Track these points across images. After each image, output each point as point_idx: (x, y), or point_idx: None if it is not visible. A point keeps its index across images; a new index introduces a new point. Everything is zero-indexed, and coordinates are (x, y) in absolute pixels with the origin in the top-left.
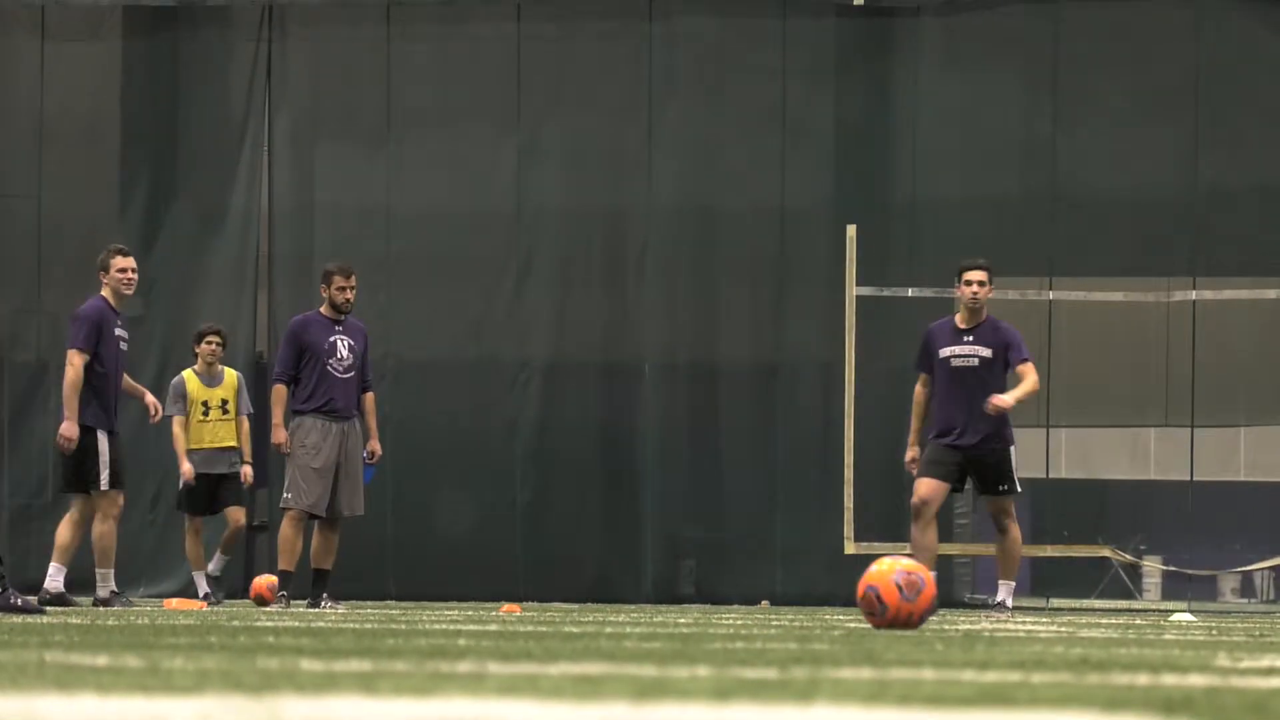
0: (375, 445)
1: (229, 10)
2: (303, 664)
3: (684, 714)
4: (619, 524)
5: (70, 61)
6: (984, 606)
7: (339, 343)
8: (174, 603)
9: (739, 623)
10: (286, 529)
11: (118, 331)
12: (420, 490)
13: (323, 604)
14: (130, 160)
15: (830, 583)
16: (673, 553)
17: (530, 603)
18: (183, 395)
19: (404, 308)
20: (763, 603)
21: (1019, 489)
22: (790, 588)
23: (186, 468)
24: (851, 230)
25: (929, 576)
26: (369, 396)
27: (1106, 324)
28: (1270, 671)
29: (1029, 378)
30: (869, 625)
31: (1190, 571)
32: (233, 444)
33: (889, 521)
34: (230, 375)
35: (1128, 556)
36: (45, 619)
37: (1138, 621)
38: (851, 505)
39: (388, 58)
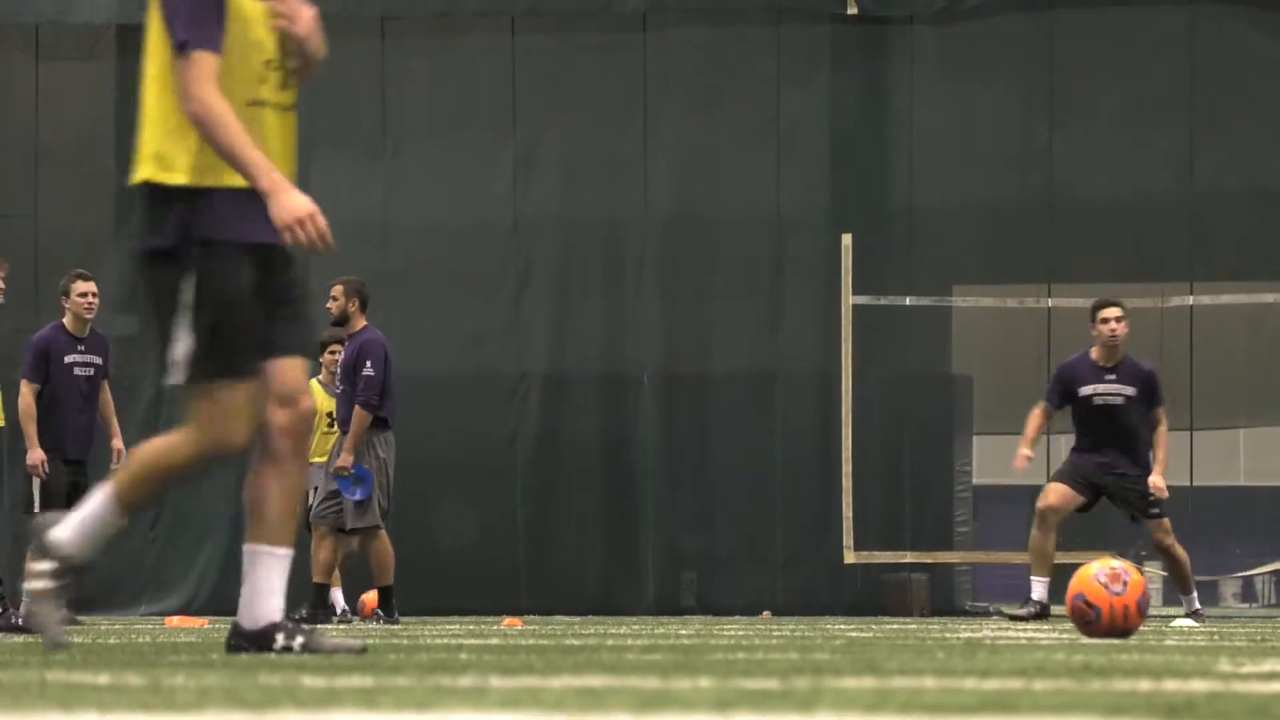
0: (342, 459)
1: None
2: (304, 680)
3: None
4: (619, 536)
5: (65, 81)
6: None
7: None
8: (175, 620)
9: (740, 633)
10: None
11: (73, 357)
12: (420, 504)
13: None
14: (125, 178)
15: (831, 592)
16: (673, 564)
17: (532, 616)
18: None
19: (402, 320)
20: (764, 613)
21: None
22: (791, 598)
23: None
24: (847, 239)
25: (1132, 567)
26: (356, 410)
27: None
28: (1272, 676)
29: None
30: (1085, 638)
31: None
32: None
33: (888, 530)
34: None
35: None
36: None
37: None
38: (850, 514)
39: (383, 70)
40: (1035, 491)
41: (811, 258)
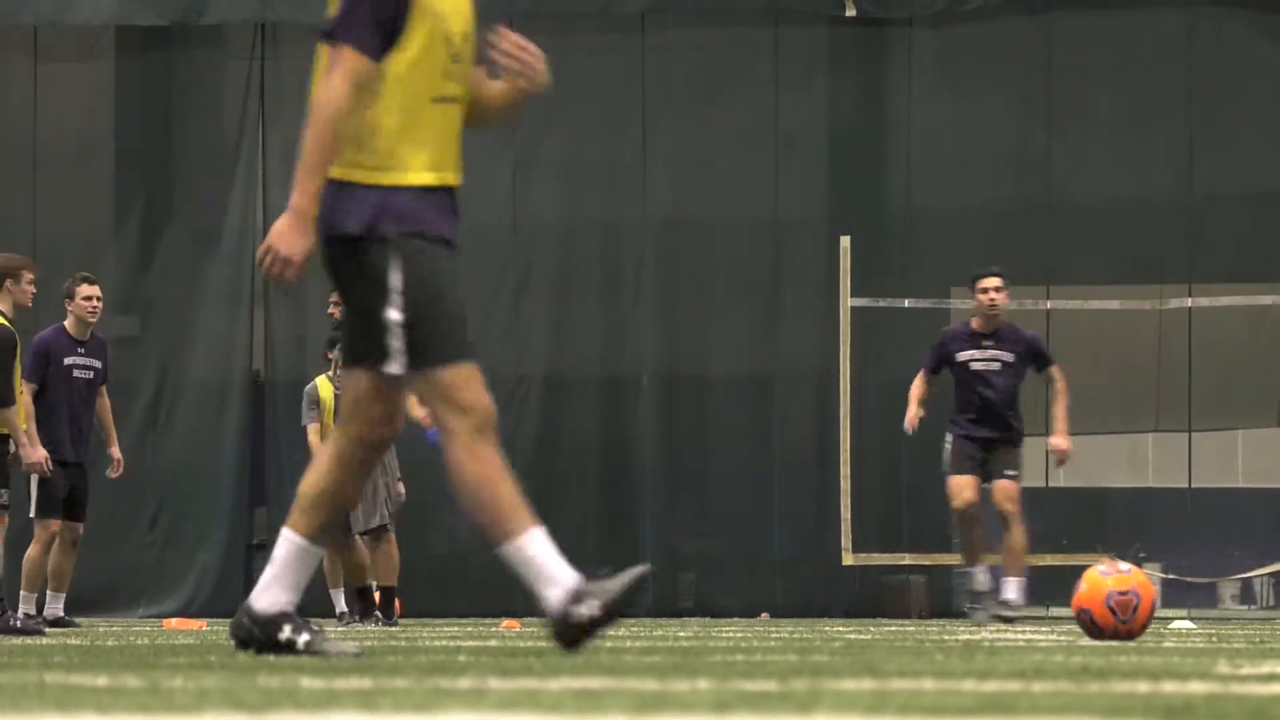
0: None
1: (222, 29)
2: (303, 682)
3: None
4: (618, 537)
5: (63, 82)
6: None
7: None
8: (174, 623)
9: (739, 635)
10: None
11: (73, 360)
12: (419, 506)
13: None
14: (124, 181)
15: (829, 594)
16: (672, 566)
17: (530, 618)
18: (316, 402)
19: None
20: (762, 615)
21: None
22: (789, 600)
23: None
24: (846, 241)
25: (1143, 587)
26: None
27: (1102, 332)
28: (1270, 678)
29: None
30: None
31: (1190, 579)
32: None
33: (886, 532)
34: (327, 387)
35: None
36: (45, 640)
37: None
38: (849, 516)
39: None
40: (1034, 493)
41: (810, 260)
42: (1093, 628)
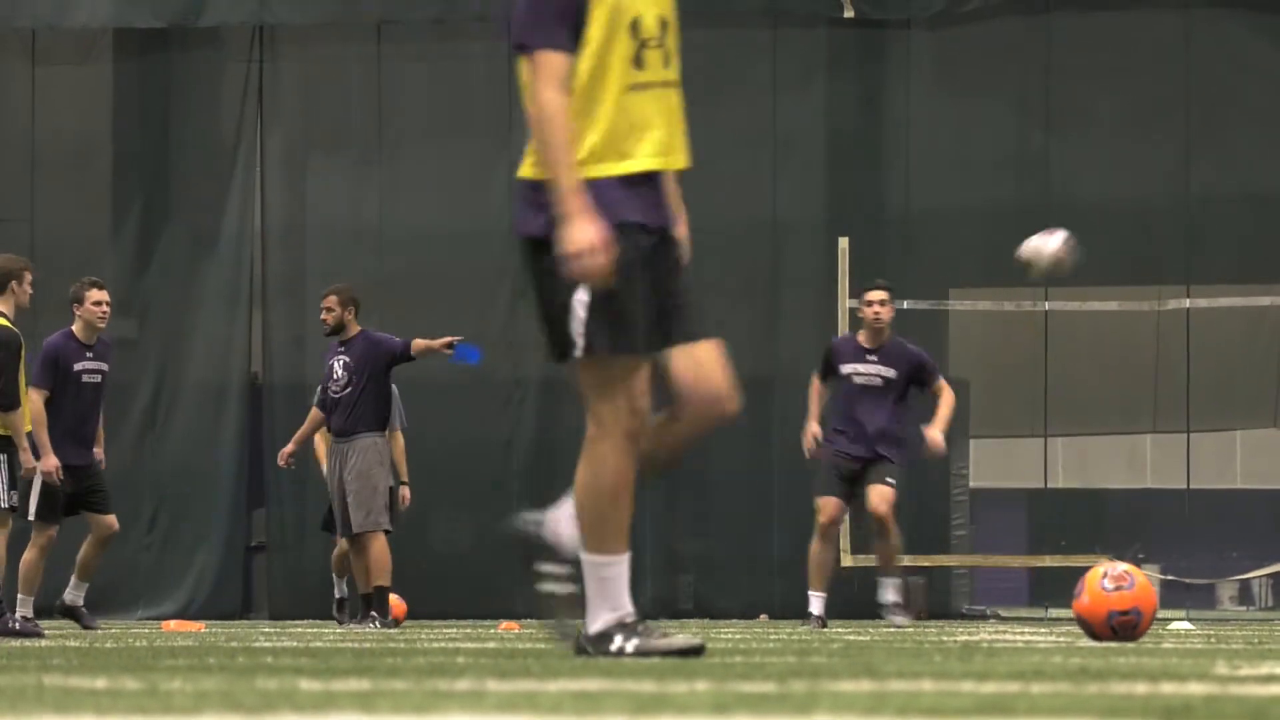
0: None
1: (219, 31)
2: (301, 684)
3: None
4: None
5: (61, 85)
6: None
7: (335, 364)
8: (172, 624)
9: (737, 636)
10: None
11: (82, 365)
12: (417, 509)
13: (368, 624)
14: (122, 183)
15: (828, 596)
16: (671, 567)
17: (529, 620)
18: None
19: (397, 327)
20: (761, 616)
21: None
22: (788, 601)
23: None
24: (844, 243)
25: (1144, 599)
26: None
27: (1100, 333)
28: (1269, 679)
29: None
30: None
31: (1188, 580)
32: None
33: None
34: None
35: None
36: (43, 642)
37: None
38: (848, 518)
39: (379, 77)
40: (1033, 495)
41: (809, 261)
42: (1093, 636)
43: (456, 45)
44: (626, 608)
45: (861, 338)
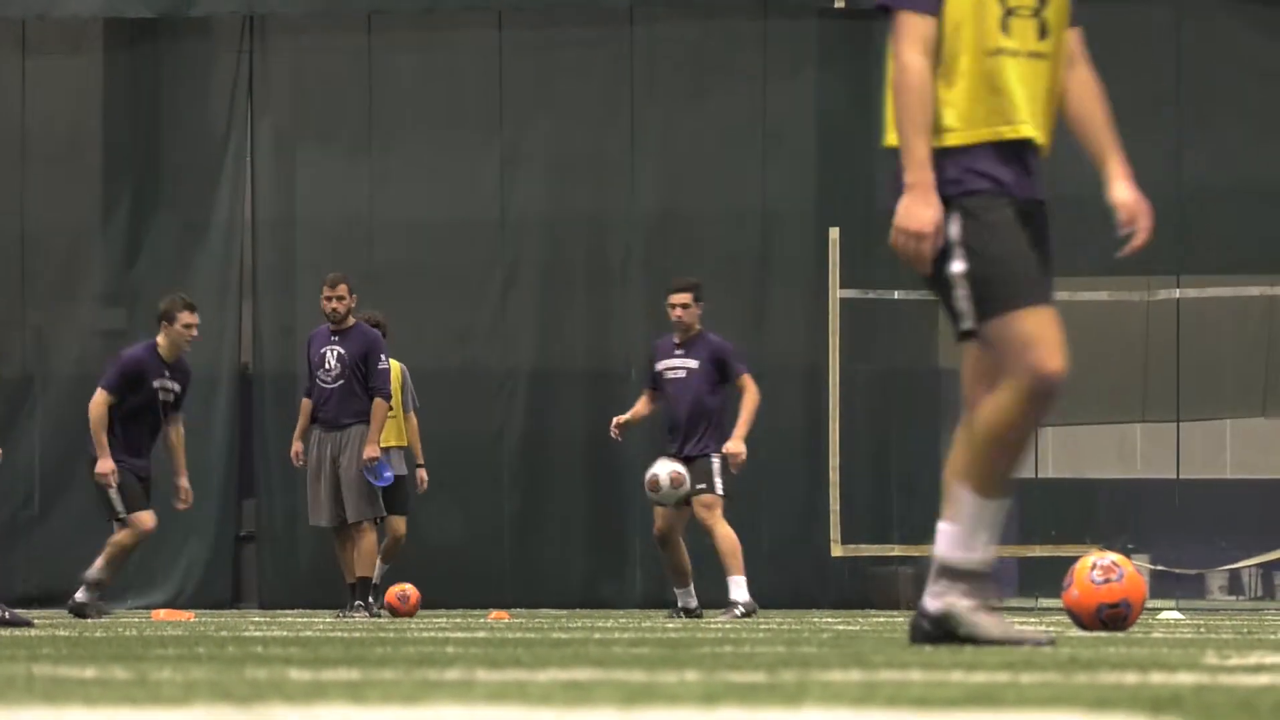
0: (369, 450)
1: (210, 22)
2: (291, 674)
3: (673, 718)
4: (606, 530)
5: (51, 75)
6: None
7: (328, 354)
8: (162, 614)
9: (727, 627)
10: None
11: (160, 383)
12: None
13: (356, 612)
14: (112, 173)
15: (817, 586)
16: (660, 558)
17: (518, 609)
18: None
19: (388, 317)
20: None
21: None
22: (777, 591)
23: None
24: (835, 233)
25: (1133, 591)
26: (377, 403)
27: (1090, 323)
28: (1258, 669)
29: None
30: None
31: (1178, 570)
32: (398, 443)
33: (875, 524)
34: (395, 368)
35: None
36: (33, 632)
37: None
38: (838, 508)
39: (369, 67)
40: (1023, 485)
41: (799, 252)
42: (1082, 628)
43: (447, 35)
44: (983, 559)
45: (676, 337)
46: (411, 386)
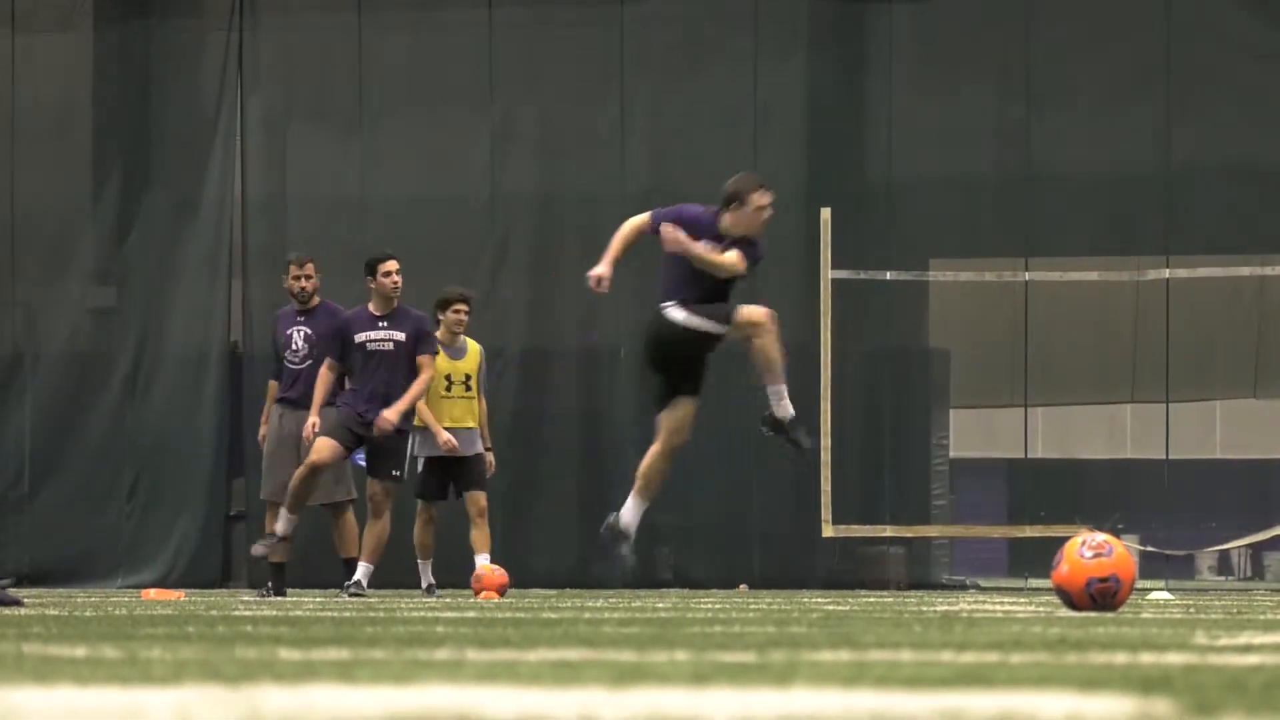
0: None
1: None
2: (281, 653)
3: (663, 698)
4: (596, 509)
5: (41, 52)
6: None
7: (294, 334)
8: (152, 593)
9: (717, 607)
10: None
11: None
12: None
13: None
14: (102, 150)
15: (808, 566)
16: (650, 538)
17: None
18: None
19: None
20: (741, 586)
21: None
22: (768, 571)
23: (445, 437)
24: (826, 213)
25: (1123, 567)
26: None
27: (1080, 303)
28: (1247, 649)
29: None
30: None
31: (1168, 551)
32: (472, 424)
33: (866, 504)
34: (474, 349)
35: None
36: (23, 611)
37: None
38: (829, 489)
39: (360, 45)
40: (1013, 465)
41: (790, 232)
42: (1071, 606)
43: (438, 13)
44: None
45: (373, 307)
46: (485, 366)
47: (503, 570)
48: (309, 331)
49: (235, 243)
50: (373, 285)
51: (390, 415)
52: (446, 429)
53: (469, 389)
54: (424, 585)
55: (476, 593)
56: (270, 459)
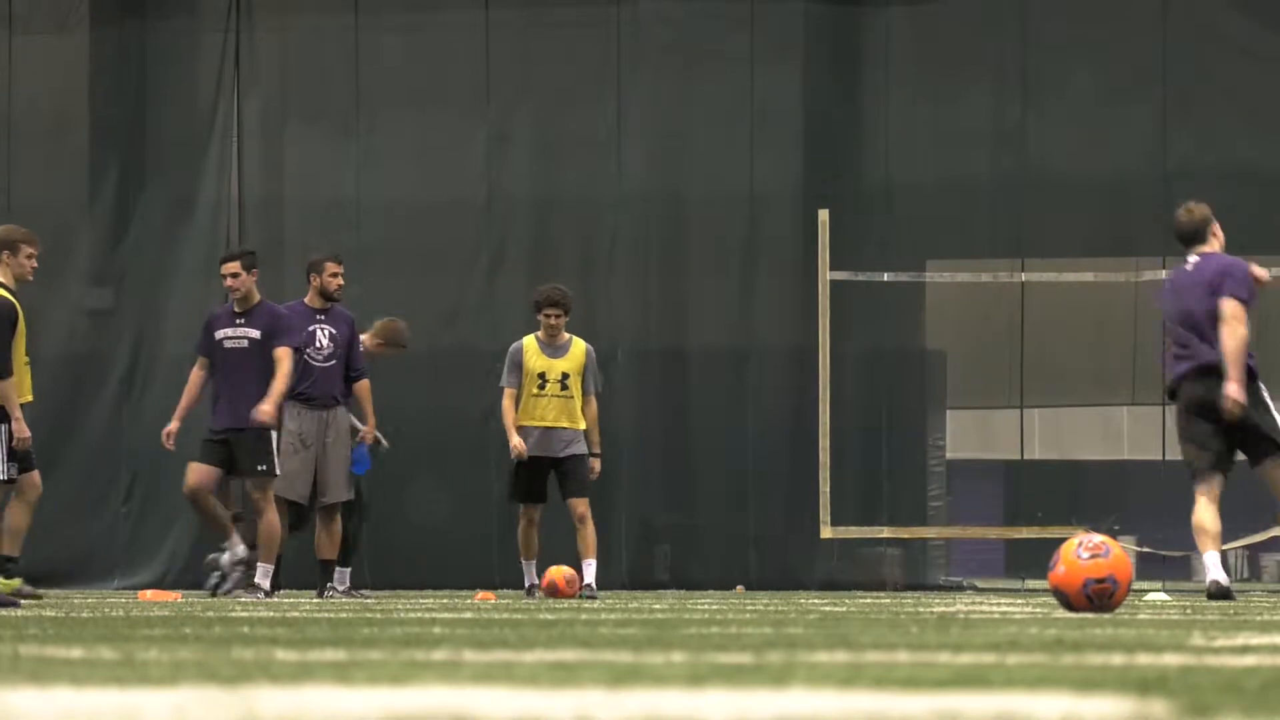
0: (367, 431)
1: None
2: (277, 654)
3: (659, 700)
4: (593, 510)
5: (38, 53)
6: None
7: (318, 331)
8: (149, 594)
9: (714, 608)
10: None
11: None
12: (395, 479)
13: (328, 593)
14: (99, 151)
15: (805, 567)
16: (647, 539)
17: (505, 590)
18: (518, 365)
19: (375, 297)
20: (738, 588)
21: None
22: (765, 572)
23: (515, 441)
24: (824, 215)
25: (1119, 568)
26: (363, 384)
27: (1077, 304)
28: (1244, 650)
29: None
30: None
31: (1165, 552)
32: (569, 425)
33: (863, 505)
34: (578, 348)
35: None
36: (19, 612)
37: None
38: (827, 490)
39: (356, 46)
40: (1010, 466)
41: (788, 233)
42: (1068, 607)
43: (434, 14)
44: None
45: (236, 306)
46: (597, 368)
47: (573, 574)
48: (333, 330)
49: (232, 243)
50: (317, 283)
51: (267, 408)
52: (535, 428)
53: (565, 388)
54: (526, 585)
55: (554, 595)
56: (283, 457)
